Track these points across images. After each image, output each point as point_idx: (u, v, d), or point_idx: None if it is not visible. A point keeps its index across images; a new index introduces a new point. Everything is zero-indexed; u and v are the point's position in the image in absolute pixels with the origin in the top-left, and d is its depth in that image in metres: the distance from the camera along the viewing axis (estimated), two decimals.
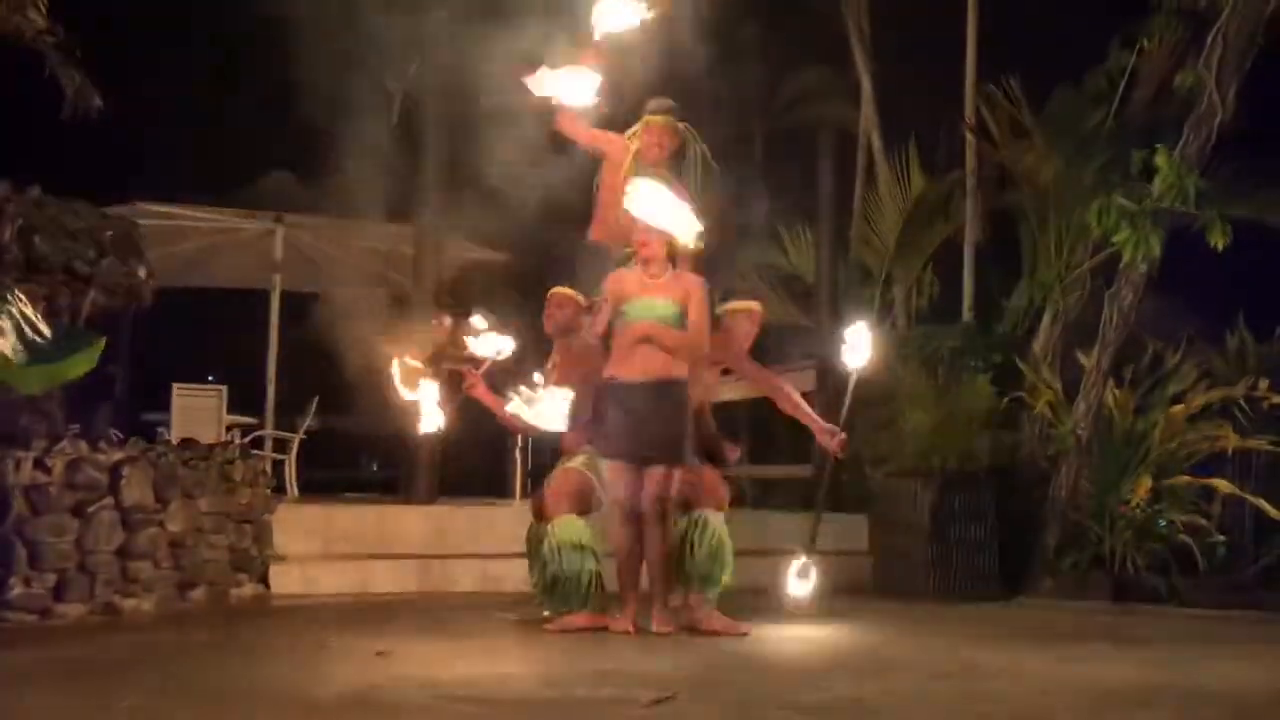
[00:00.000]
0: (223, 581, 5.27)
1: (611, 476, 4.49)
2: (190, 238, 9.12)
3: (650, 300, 4.52)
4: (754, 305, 5.04)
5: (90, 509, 4.72)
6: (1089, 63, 7.71)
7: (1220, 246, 6.32)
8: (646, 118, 4.91)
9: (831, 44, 9.47)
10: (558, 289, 4.92)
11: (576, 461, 4.73)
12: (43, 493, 4.62)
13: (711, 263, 4.92)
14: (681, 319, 4.53)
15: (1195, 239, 6.48)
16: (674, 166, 4.94)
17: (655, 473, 4.44)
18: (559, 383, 4.72)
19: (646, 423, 4.39)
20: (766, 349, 9.29)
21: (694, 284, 4.59)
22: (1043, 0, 8.42)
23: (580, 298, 4.89)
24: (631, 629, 4.45)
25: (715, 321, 4.81)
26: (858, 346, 5.01)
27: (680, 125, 4.94)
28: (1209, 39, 6.47)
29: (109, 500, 4.78)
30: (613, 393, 4.48)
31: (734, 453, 5.01)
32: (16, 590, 4.51)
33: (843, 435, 4.90)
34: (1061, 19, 8.37)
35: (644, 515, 4.46)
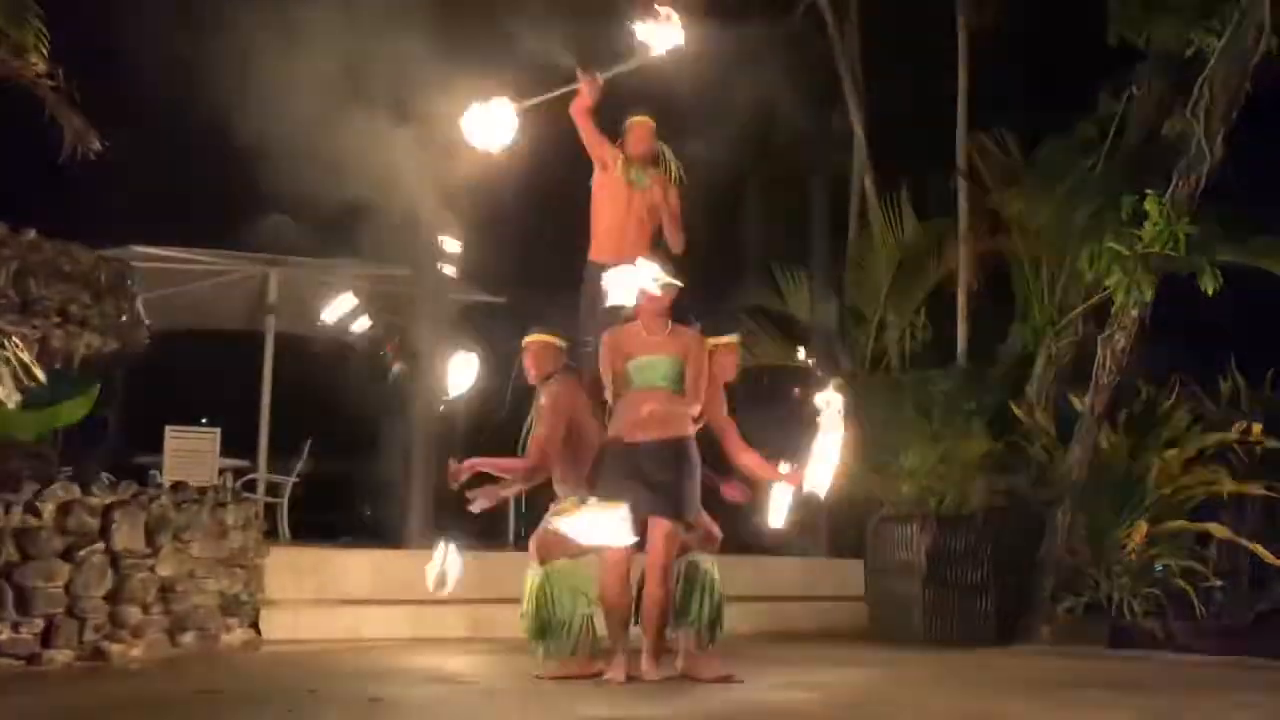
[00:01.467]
0: (213, 626, 5.21)
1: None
2: (185, 280, 9.13)
3: (650, 359, 4.51)
4: (733, 340, 5.02)
5: (81, 553, 4.68)
6: (1079, 110, 7.81)
7: (1211, 291, 6.37)
8: (629, 120, 5.23)
9: (825, 90, 9.57)
10: (534, 337, 4.82)
11: (570, 503, 4.70)
12: (33, 537, 4.58)
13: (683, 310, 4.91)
14: (683, 375, 4.51)
15: (1186, 283, 6.53)
16: (657, 167, 5.25)
17: (659, 528, 4.39)
18: (549, 430, 4.66)
19: (652, 482, 4.32)
20: (761, 389, 9.33)
21: (692, 339, 4.58)
22: (1033, 49, 8.54)
23: (559, 340, 4.86)
24: (624, 678, 4.41)
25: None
26: (779, 507, 4.66)
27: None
28: (1196, 88, 6.57)
29: (100, 544, 4.74)
30: (617, 453, 4.43)
31: (737, 492, 4.83)
32: (4, 635, 4.45)
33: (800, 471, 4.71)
34: (1051, 68, 8.48)
35: (644, 570, 4.40)
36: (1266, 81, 6.62)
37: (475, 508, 4.48)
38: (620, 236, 5.01)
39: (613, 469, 4.42)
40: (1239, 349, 7.38)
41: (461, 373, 4.86)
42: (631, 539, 4.27)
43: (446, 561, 4.52)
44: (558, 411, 4.64)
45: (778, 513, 4.64)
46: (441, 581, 4.52)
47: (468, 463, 4.71)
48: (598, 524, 4.25)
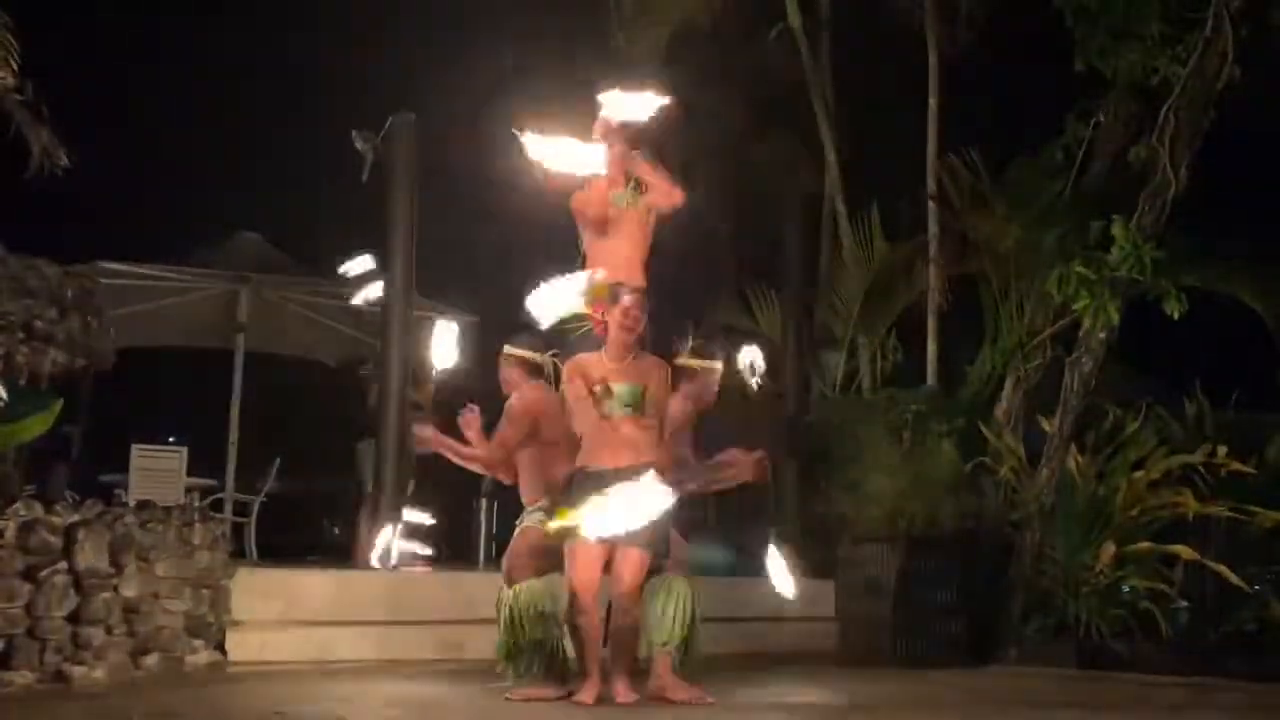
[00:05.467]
0: (178, 648, 5.13)
1: (571, 557, 4.36)
2: (153, 297, 9.05)
3: (616, 387, 4.49)
4: (716, 365, 5.01)
5: (42, 573, 4.60)
6: (1047, 135, 7.92)
7: (1176, 315, 6.46)
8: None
9: (798, 114, 9.66)
10: (509, 350, 4.87)
11: (534, 519, 4.69)
12: None
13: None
14: (646, 402, 4.47)
15: (1152, 307, 6.62)
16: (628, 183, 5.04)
17: (628, 556, 4.34)
18: (513, 430, 4.69)
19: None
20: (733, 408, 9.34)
21: (655, 366, 4.54)
22: (1003, 74, 8.66)
23: (532, 355, 4.88)
24: (594, 700, 4.38)
25: (678, 372, 4.78)
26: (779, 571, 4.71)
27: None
28: (1161, 115, 6.68)
29: (62, 564, 4.66)
30: (586, 481, 4.37)
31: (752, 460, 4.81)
32: None
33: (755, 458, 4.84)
34: (1020, 93, 8.61)
35: (612, 599, 4.37)
36: (1230, 109, 6.74)
37: (420, 444, 4.70)
38: (616, 257, 4.98)
39: (580, 497, 4.38)
40: (1203, 372, 7.47)
41: (445, 342, 4.85)
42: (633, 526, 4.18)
43: (392, 541, 4.59)
44: (525, 414, 4.68)
45: (781, 578, 4.61)
46: (385, 556, 4.57)
47: (435, 437, 4.81)
48: (608, 516, 4.14)
